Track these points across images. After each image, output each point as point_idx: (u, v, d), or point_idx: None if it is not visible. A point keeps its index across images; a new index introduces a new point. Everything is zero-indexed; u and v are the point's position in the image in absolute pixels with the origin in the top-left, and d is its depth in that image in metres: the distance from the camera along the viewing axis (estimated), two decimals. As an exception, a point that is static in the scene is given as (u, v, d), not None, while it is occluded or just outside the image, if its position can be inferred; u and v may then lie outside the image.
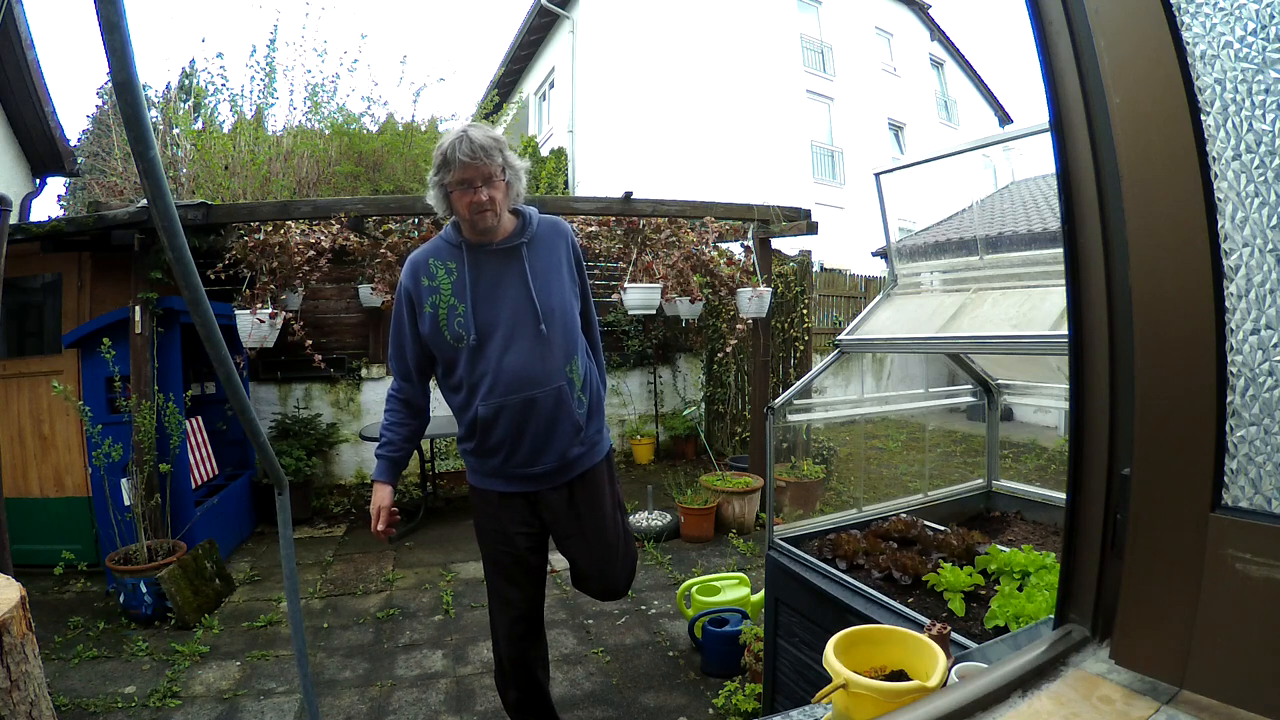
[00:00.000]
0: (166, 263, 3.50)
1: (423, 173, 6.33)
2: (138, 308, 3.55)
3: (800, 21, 14.08)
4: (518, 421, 1.71)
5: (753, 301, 4.30)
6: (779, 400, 2.07)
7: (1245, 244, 0.66)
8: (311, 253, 3.97)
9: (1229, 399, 0.68)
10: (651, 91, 11.87)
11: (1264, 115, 0.65)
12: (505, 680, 1.98)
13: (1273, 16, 0.63)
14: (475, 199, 1.64)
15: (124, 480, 3.42)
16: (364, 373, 5.79)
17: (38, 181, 7.22)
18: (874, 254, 10.94)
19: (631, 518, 4.30)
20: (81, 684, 2.66)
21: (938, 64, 17.59)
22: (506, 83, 14.42)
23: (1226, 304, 0.68)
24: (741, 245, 4.74)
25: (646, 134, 11.58)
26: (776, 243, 4.89)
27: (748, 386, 5.64)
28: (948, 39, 17.55)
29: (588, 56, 12.01)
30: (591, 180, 11.13)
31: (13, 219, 3.37)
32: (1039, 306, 1.66)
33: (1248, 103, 0.65)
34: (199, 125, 6.19)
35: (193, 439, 4.12)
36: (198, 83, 6.82)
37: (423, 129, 6.98)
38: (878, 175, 2.22)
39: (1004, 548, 1.74)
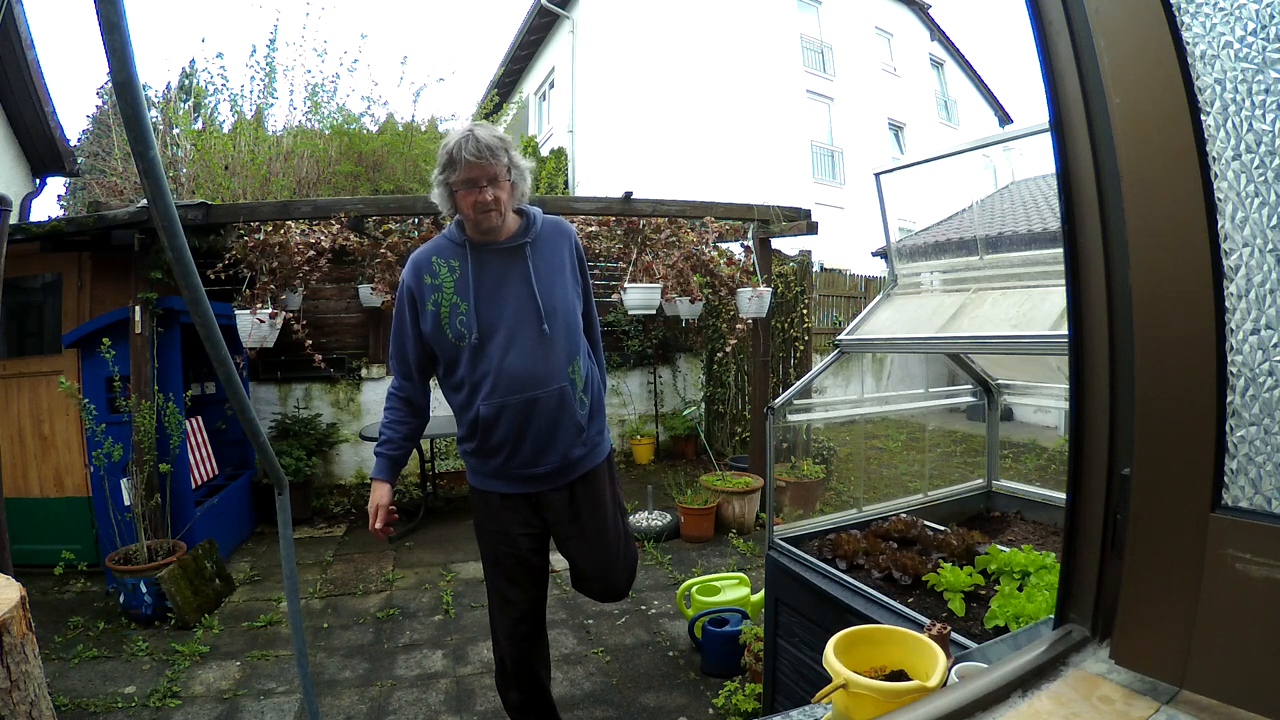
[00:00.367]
0: (166, 263, 3.50)
1: (423, 173, 6.34)
2: (138, 308, 3.55)
3: (800, 21, 14.08)
4: (519, 422, 1.70)
5: (753, 301, 4.29)
6: (779, 400, 2.07)
7: (1245, 244, 0.66)
8: (311, 253, 3.97)
9: (1229, 399, 0.68)
10: (651, 91, 11.87)
11: (1264, 115, 0.65)
12: (507, 681, 1.97)
13: (1273, 16, 0.63)
14: (480, 198, 1.63)
15: (124, 480, 3.42)
16: (364, 373, 5.79)
17: (38, 181, 7.22)
18: (874, 254, 10.94)
19: (631, 518, 4.30)
20: (81, 684, 2.65)
21: (938, 64, 17.59)
22: (506, 83, 14.42)
23: (1226, 304, 0.67)
24: (741, 245, 4.74)
25: (646, 134, 11.58)
26: (776, 243, 4.89)
27: (748, 386, 5.64)
28: (948, 39, 17.54)
29: (588, 56, 12.01)
30: (591, 180, 11.13)
31: (13, 219, 3.37)
32: (1039, 306, 1.66)
33: (1248, 103, 0.65)
34: (199, 125, 6.20)
35: (193, 439, 4.12)
36: (198, 83, 6.84)
37: (423, 129, 6.98)
38: (878, 175, 2.22)
39: (1004, 548, 1.74)
